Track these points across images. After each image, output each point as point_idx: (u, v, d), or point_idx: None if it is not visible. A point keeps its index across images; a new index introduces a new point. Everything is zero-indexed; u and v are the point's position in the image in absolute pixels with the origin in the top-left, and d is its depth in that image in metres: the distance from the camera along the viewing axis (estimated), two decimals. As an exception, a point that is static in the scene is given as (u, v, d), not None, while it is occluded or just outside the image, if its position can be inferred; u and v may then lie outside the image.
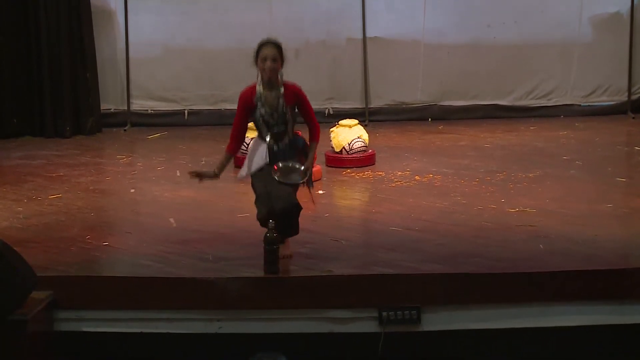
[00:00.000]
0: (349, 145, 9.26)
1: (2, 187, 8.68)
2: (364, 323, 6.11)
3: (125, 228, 7.54)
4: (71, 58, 11.22)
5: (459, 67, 11.82)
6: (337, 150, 9.30)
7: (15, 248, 5.91)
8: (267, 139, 6.38)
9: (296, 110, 6.41)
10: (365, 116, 11.66)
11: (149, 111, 11.86)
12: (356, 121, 9.54)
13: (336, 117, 10.89)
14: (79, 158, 10.01)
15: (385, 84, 11.88)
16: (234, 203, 7.84)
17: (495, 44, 11.82)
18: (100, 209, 7.99)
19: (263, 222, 6.33)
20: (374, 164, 9.31)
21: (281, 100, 6.33)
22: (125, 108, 11.79)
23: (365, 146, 9.36)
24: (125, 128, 11.64)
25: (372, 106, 11.85)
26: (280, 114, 6.34)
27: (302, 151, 6.47)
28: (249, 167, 6.48)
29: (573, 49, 11.84)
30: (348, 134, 9.31)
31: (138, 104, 11.83)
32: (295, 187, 6.42)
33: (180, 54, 11.66)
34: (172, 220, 7.49)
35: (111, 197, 8.45)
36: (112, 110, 11.83)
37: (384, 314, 6.04)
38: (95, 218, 7.69)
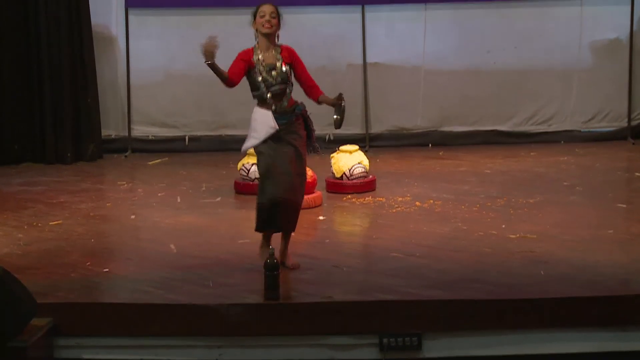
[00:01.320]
0: (350, 171, 9.26)
1: (2, 214, 8.68)
2: (364, 350, 6.09)
3: (126, 254, 7.54)
4: (72, 84, 11.24)
5: (459, 93, 11.84)
6: (338, 176, 9.30)
7: (15, 274, 5.90)
8: (268, 97, 6.51)
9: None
10: (366, 142, 11.67)
11: (150, 137, 11.87)
12: (356, 147, 9.55)
13: (337, 142, 10.89)
14: (80, 184, 10.01)
15: (386, 109, 11.90)
16: (235, 229, 7.84)
17: (495, 70, 11.85)
18: (100, 235, 7.99)
19: (266, 210, 6.52)
20: (374, 189, 9.31)
21: (280, 58, 6.54)
22: (126, 134, 11.81)
23: (366, 172, 9.36)
24: (126, 154, 11.65)
25: (372, 132, 11.87)
26: (279, 72, 6.52)
27: (303, 116, 6.65)
28: (258, 138, 6.55)
29: (573, 74, 11.87)
30: (348, 160, 9.31)
31: (139, 130, 11.84)
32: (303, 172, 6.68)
33: (181, 80, 11.67)
34: (172, 246, 7.49)
35: (112, 223, 8.45)
36: (112, 136, 11.84)
37: (385, 340, 6.02)
38: (96, 244, 7.69)
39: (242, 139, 6.82)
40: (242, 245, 7.39)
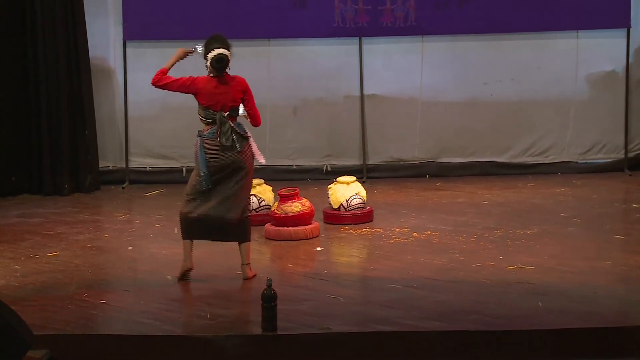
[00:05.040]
0: (347, 202, 9.26)
1: (-1, 245, 8.69)
2: (362, 381, 6.07)
3: (123, 286, 7.52)
4: (70, 116, 11.27)
5: (456, 124, 11.86)
6: (335, 207, 9.31)
7: (12, 306, 5.87)
8: None
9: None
10: (363, 173, 11.68)
11: (147, 168, 11.89)
12: (354, 178, 9.56)
13: (334, 174, 10.92)
14: (77, 216, 10.01)
15: (383, 141, 11.92)
16: (231, 260, 7.82)
17: (492, 102, 11.88)
18: (97, 267, 7.98)
19: None
20: (371, 220, 9.31)
21: None
22: (124, 165, 11.82)
23: (363, 203, 9.37)
24: (124, 185, 11.65)
25: (369, 163, 11.89)
26: None
27: None
28: None
29: (569, 106, 11.90)
30: (346, 191, 9.32)
31: (136, 162, 11.86)
32: None
33: (178, 112, 11.66)
34: (169, 277, 7.48)
35: (109, 255, 8.44)
36: (110, 167, 11.86)
37: (383, 371, 6.01)
38: (93, 276, 7.68)
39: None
40: (239, 276, 7.38)
